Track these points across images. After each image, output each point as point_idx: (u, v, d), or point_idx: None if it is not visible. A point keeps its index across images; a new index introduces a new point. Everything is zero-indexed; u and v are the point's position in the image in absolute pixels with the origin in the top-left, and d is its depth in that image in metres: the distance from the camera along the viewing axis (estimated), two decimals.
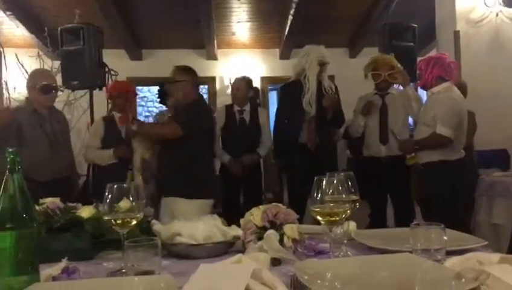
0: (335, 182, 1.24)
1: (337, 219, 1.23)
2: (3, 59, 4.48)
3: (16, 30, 5.88)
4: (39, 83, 3.26)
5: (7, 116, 3.04)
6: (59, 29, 4.36)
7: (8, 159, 1.09)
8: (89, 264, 1.32)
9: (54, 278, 1.12)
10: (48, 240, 1.34)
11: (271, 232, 1.35)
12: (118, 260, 1.35)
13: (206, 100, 7.55)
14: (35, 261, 1.08)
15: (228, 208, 4.10)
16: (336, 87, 4.01)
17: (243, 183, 4.24)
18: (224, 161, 4.24)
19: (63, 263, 1.19)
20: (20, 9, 5.63)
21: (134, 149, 3.41)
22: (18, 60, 5.11)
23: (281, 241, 1.36)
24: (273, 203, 1.47)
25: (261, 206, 1.45)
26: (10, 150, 1.09)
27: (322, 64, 3.88)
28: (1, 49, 4.37)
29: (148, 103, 10.59)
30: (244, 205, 4.24)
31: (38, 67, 4.91)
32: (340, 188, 1.24)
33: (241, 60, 7.72)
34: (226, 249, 1.43)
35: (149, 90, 8.65)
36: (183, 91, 3.38)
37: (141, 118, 8.10)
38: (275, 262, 1.23)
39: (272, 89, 8.35)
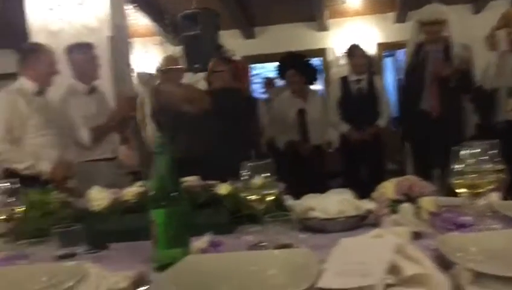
0: (476, 151, 1.17)
1: (481, 190, 1.16)
2: (132, 49, 4.86)
3: (141, 20, 6.32)
4: (170, 67, 3.50)
5: (134, 110, 3.30)
6: (178, 16, 4.60)
7: (156, 142, 1.19)
8: (230, 238, 1.40)
9: (203, 251, 1.22)
10: (192, 215, 1.45)
11: (406, 205, 1.32)
12: (256, 234, 1.42)
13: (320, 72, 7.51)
14: (185, 236, 1.18)
15: (348, 181, 4.07)
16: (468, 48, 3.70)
17: (363, 156, 4.17)
18: (342, 130, 4.19)
19: (208, 236, 1.28)
20: (143, 0, 6.02)
21: None
22: (145, 48, 5.51)
23: (416, 214, 1.33)
24: (407, 176, 1.43)
25: (393, 179, 1.42)
26: (159, 132, 1.19)
27: (425, 24, 3.59)
28: (130, 40, 4.74)
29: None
30: (366, 178, 4.18)
31: (162, 54, 5.24)
32: (482, 157, 1.17)
33: (353, 28, 7.50)
34: (359, 222, 1.43)
35: (263, 67, 8.78)
36: (222, 81, 3.44)
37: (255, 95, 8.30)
38: (414, 236, 1.20)
39: (387, 56, 8.02)
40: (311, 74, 4.42)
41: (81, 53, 3.29)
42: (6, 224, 1.44)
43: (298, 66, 4.23)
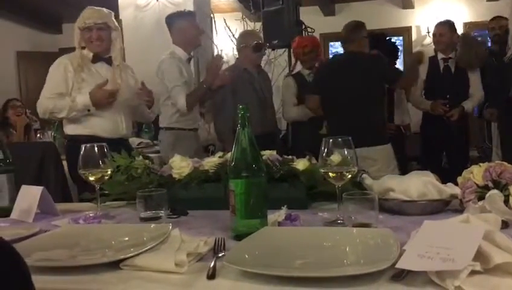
0: None
1: None
2: (214, 24, 4.93)
3: None
4: (252, 42, 3.51)
5: (225, 75, 3.35)
6: None
7: (240, 115, 1.20)
8: (306, 213, 1.40)
9: (279, 224, 1.23)
10: (268, 188, 1.46)
11: (495, 192, 1.25)
12: (332, 211, 1.41)
13: (401, 52, 7.20)
14: (263, 207, 1.20)
15: (428, 167, 3.91)
16: None
17: (446, 141, 3.97)
18: (425, 107, 4.02)
19: (284, 210, 1.29)
20: None
21: None
22: (226, 24, 5.56)
23: (505, 202, 1.25)
24: (497, 161, 1.35)
25: (482, 164, 1.34)
26: (241, 106, 1.20)
27: None
28: (212, 15, 4.81)
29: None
30: (447, 164, 3.99)
31: (243, 29, 5.26)
32: None
33: (440, 5, 7.10)
34: (441, 207, 1.38)
35: (341, 46, 8.59)
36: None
37: None
38: (502, 225, 1.13)
39: (476, 36, 7.53)
40: (392, 54, 4.24)
41: (185, 20, 3.37)
42: (95, 186, 1.53)
43: (380, 46, 4.04)
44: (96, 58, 2.79)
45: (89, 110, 2.70)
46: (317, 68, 3.71)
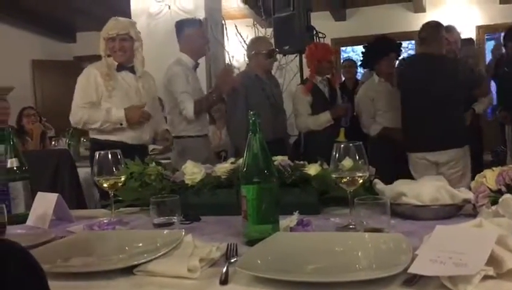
0: None
1: None
2: (225, 30, 4.97)
3: (233, 3, 6.42)
4: (264, 49, 3.52)
5: (236, 82, 3.37)
6: None
7: (251, 121, 1.21)
8: (318, 219, 1.40)
9: (291, 229, 1.23)
10: (280, 194, 1.47)
11: (508, 196, 1.23)
12: (343, 216, 1.41)
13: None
14: (275, 213, 1.20)
15: None
16: None
17: None
18: None
19: (296, 215, 1.29)
20: None
21: None
22: (237, 30, 5.59)
23: None
24: (510, 165, 1.33)
25: (495, 168, 1.33)
26: (252, 112, 1.21)
27: None
28: (223, 22, 4.84)
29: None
30: None
31: (254, 35, 5.29)
32: None
33: (452, 9, 7.06)
34: (454, 212, 1.37)
35: (352, 50, 8.57)
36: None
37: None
38: None
39: (489, 39, 7.48)
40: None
41: (193, 28, 3.41)
42: (109, 192, 1.55)
43: (394, 51, 4.00)
44: (120, 67, 2.91)
45: (121, 124, 2.81)
46: (398, 68, 3.67)
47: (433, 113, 3.19)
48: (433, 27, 3.36)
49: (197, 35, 3.39)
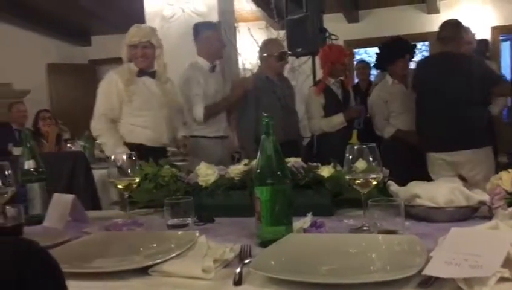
0: None
1: None
2: (238, 33, 4.99)
3: (246, 5, 6.44)
4: (275, 51, 3.53)
5: (250, 84, 3.39)
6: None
7: (264, 123, 1.22)
8: (331, 220, 1.40)
9: (305, 231, 1.23)
10: (293, 195, 1.47)
11: None
12: (357, 218, 1.41)
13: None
14: (289, 214, 1.20)
15: None
16: None
17: None
18: None
19: (309, 217, 1.29)
20: None
21: None
22: (250, 32, 5.61)
23: None
24: None
25: (510, 170, 1.32)
26: (265, 114, 1.21)
27: None
28: (236, 24, 4.86)
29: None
30: None
31: (267, 38, 5.29)
32: None
33: (466, 9, 6.99)
34: (469, 214, 1.36)
35: (366, 52, 8.54)
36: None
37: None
38: None
39: (504, 40, 7.40)
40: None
41: (210, 31, 3.45)
42: (123, 193, 1.56)
43: (408, 52, 3.97)
44: (141, 73, 2.99)
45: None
46: (416, 67, 3.65)
47: (451, 111, 3.14)
48: (453, 25, 3.33)
49: (213, 39, 3.43)
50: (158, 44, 3.01)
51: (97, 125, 2.95)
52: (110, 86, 2.93)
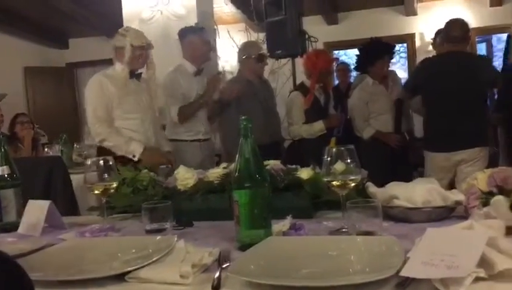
0: None
1: None
2: (217, 35, 4.97)
3: (225, 8, 6.43)
4: (255, 53, 3.53)
5: (236, 91, 3.39)
6: (263, 1, 4.61)
7: (242, 126, 1.21)
8: (310, 223, 1.40)
9: (284, 233, 1.23)
10: (273, 198, 1.47)
11: (500, 198, 1.24)
12: (336, 220, 1.41)
13: (405, 59, 7.21)
14: (267, 217, 1.20)
15: None
16: None
17: None
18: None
19: (288, 220, 1.29)
20: None
21: None
22: (229, 35, 5.60)
23: (510, 208, 1.24)
24: (501, 167, 1.34)
25: (486, 170, 1.34)
26: (243, 117, 1.21)
27: None
28: (215, 27, 4.85)
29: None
30: None
31: (246, 40, 5.29)
32: None
33: (444, 11, 7.09)
34: (446, 214, 1.37)
35: (345, 54, 8.61)
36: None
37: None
38: (508, 231, 1.13)
39: (480, 41, 7.53)
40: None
41: (196, 36, 3.44)
42: (101, 198, 1.54)
43: (388, 54, 4.00)
44: (131, 75, 2.98)
45: (133, 156, 2.87)
46: (421, 67, 3.65)
47: (467, 111, 3.14)
48: (465, 25, 3.37)
49: (200, 43, 3.42)
50: (152, 46, 3.04)
51: (101, 130, 2.89)
52: (102, 89, 2.89)
